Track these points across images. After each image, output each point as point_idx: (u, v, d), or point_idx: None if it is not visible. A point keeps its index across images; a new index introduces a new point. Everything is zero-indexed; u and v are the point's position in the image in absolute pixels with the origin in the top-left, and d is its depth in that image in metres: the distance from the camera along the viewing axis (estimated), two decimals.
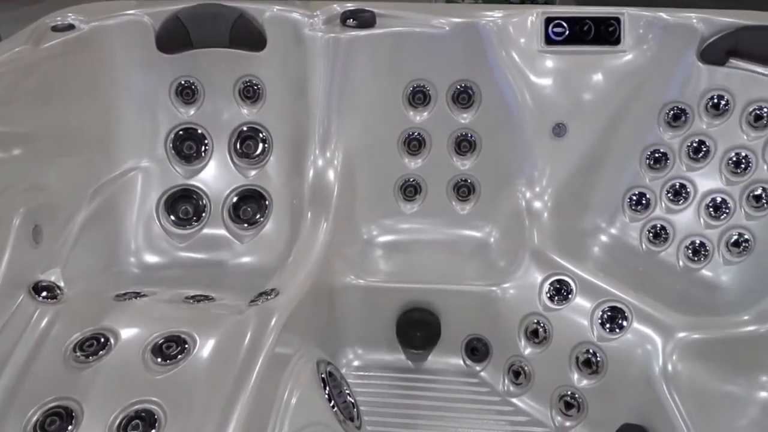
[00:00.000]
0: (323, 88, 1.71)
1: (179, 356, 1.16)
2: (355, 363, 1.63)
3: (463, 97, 1.78)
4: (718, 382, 1.38)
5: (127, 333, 1.21)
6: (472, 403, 1.56)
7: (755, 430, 1.34)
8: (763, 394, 1.38)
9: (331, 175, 1.70)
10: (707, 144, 1.75)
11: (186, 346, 1.18)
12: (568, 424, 1.49)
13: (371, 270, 1.67)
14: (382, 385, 1.59)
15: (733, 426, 1.33)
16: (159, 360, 1.15)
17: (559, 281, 1.57)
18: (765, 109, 1.67)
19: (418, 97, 1.78)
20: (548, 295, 1.56)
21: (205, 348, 1.21)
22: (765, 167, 1.66)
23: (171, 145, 1.77)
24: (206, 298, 1.45)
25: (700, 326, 1.41)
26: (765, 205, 1.65)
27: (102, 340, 1.19)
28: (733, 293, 1.61)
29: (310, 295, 1.42)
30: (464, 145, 1.81)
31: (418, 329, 1.60)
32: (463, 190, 1.83)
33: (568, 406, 1.49)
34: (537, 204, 1.77)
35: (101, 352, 1.16)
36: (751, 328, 1.40)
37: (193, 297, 1.44)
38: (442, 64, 1.75)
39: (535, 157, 1.79)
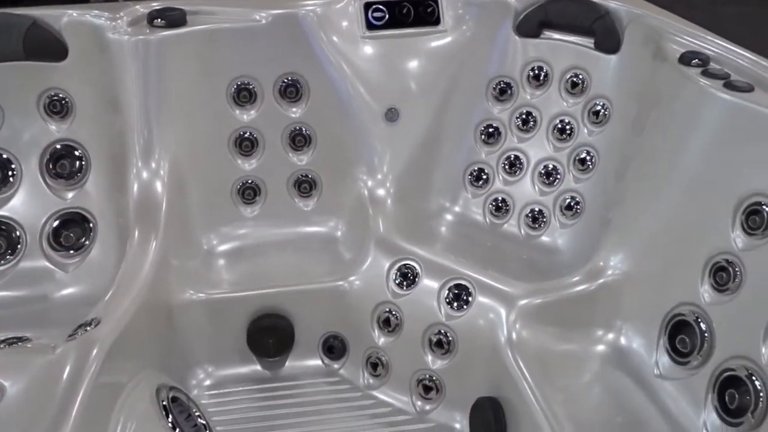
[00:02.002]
0: (138, 95, 1.60)
1: None
2: (207, 382, 1.55)
3: (291, 91, 1.74)
4: (559, 342, 1.44)
5: None
6: (335, 403, 1.54)
7: (597, 382, 1.42)
8: (600, 347, 1.46)
9: (158, 187, 1.60)
10: (534, 114, 1.83)
11: None
12: (428, 407, 1.51)
13: (214, 281, 1.60)
14: (240, 400, 1.52)
15: (577, 383, 1.40)
16: None
17: (405, 266, 1.57)
18: (580, 76, 1.77)
19: (244, 94, 1.72)
20: (396, 281, 1.56)
21: (15, 395, 1.10)
22: (585, 131, 1.76)
23: None
24: (20, 339, 1.32)
25: (538, 291, 1.47)
26: (590, 167, 1.75)
27: None
28: (569, 255, 1.69)
29: (140, 318, 1.32)
30: (299, 139, 1.77)
31: (270, 336, 1.55)
32: (305, 186, 1.79)
33: (427, 389, 1.51)
34: (380, 191, 1.77)
35: None
36: (582, 287, 1.47)
37: (3, 341, 1.31)
38: (265, 59, 1.70)
39: (372, 144, 1.79)
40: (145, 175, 1.60)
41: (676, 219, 1.40)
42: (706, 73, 1.39)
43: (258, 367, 1.60)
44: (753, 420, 1.15)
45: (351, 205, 1.78)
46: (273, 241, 1.74)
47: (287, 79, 1.74)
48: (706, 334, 1.29)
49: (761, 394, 1.15)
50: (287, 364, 1.60)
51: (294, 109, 1.76)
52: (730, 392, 1.20)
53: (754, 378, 1.17)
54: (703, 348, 1.29)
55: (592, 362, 1.44)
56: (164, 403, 1.27)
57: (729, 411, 1.20)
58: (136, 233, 1.52)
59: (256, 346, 1.56)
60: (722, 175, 1.31)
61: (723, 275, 1.28)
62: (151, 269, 1.44)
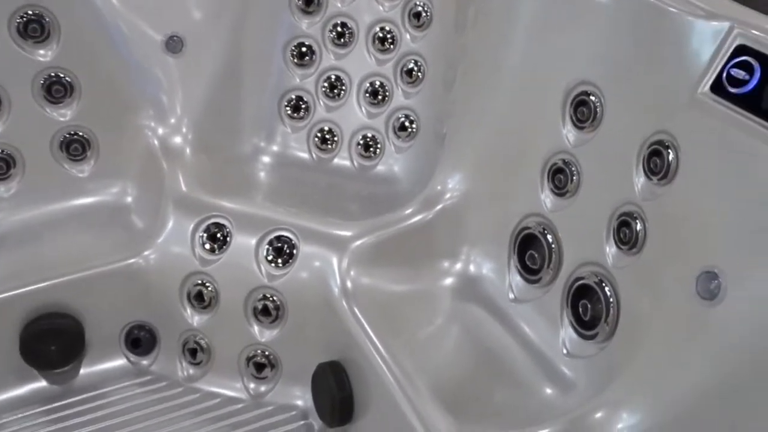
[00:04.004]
0: None
1: None
2: None
3: (34, 28, 1.60)
4: (402, 284, 1.48)
5: None
6: (151, 406, 1.49)
7: (450, 322, 1.48)
8: (448, 281, 1.52)
9: None
10: (349, 25, 1.82)
11: None
12: (263, 388, 1.50)
13: None
14: (22, 429, 1.43)
15: (428, 328, 1.45)
16: None
17: (213, 225, 1.54)
18: None
19: None
20: (204, 246, 1.52)
21: None
22: (408, 37, 1.79)
23: None
24: None
25: (372, 229, 1.49)
26: (419, 78, 1.79)
27: None
28: (408, 183, 1.74)
29: None
30: (56, 89, 1.64)
31: (51, 341, 1.45)
32: (75, 146, 1.68)
33: (260, 367, 1.50)
34: (175, 139, 1.71)
35: None
36: (419, 217, 1.51)
37: None
38: None
39: (156, 82, 1.71)
40: None
41: (509, 124, 1.47)
42: None
43: (42, 383, 1.50)
44: (607, 328, 1.25)
45: (140, 162, 1.70)
46: (42, 221, 1.64)
47: (25, 14, 1.60)
48: (553, 245, 1.38)
49: (611, 300, 1.25)
50: (81, 371, 1.53)
51: (42, 52, 1.63)
52: (583, 303, 1.30)
53: (603, 284, 1.27)
54: (552, 260, 1.37)
55: (441, 300, 1.49)
56: None
57: (584, 323, 1.30)
58: None
59: (35, 357, 1.46)
60: (546, 68, 1.38)
61: (561, 177, 1.37)
62: None
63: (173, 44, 1.72)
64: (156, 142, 1.70)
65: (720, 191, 1.09)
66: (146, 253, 1.52)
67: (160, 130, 1.71)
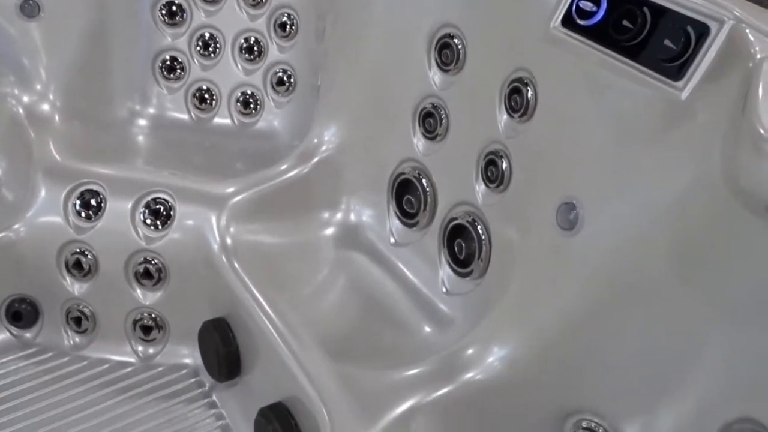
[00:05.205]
0: None
1: None
2: None
3: None
4: (284, 237, 1.40)
5: None
6: (38, 377, 1.36)
7: (334, 272, 1.41)
8: (329, 231, 1.44)
9: None
10: None
11: None
12: (152, 350, 1.40)
13: None
14: None
15: (313, 280, 1.38)
16: None
17: (88, 192, 1.40)
18: None
19: None
20: (80, 214, 1.38)
21: None
22: None
23: None
24: None
25: (250, 185, 1.40)
26: (292, 31, 1.68)
27: None
28: (288, 138, 1.64)
29: None
30: None
31: None
32: None
33: (147, 329, 1.39)
34: (43, 107, 1.55)
35: None
36: (296, 170, 1.42)
37: None
38: None
39: (17, 49, 1.54)
40: None
41: (379, 72, 1.40)
42: None
43: None
44: (482, 264, 1.21)
45: (5, 132, 1.53)
46: None
47: None
48: (428, 189, 1.32)
49: (483, 237, 1.21)
50: None
51: None
52: (458, 242, 1.26)
53: (476, 223, 1.23)
54: (428, 203, 1.32)
55: (324, 250, 1.42)
56: None
57: (460, 262, 1.26)
58: None
59: None
60: (410, 13, 1.32)
61: (431, 121, 1.31)
62: None
63: (29, 8, 1.54)
64: (21, 110, 1.53)
65: (575, 124, 1.05)
66: (16, 226, 1.37)
67: (25, 98, 1.54)
